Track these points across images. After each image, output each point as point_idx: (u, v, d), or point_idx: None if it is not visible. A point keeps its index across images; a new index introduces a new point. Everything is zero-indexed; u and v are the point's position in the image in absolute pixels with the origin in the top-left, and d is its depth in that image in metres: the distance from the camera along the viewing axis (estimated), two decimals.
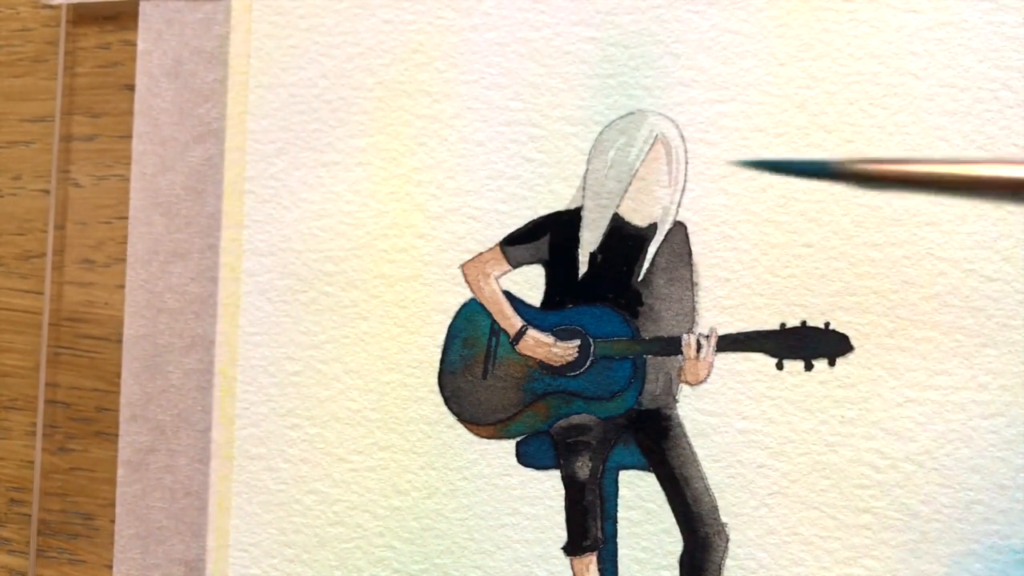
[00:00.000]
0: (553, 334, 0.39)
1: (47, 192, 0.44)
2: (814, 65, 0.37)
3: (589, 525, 0.38)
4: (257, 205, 0.41)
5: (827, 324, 0.36)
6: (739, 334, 0.37)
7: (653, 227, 0.38)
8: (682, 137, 0.38)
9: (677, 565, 0.37)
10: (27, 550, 0.43)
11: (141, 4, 0.43)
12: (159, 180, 0.42)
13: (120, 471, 0.41)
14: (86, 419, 0.43)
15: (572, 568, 0.38)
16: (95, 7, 0.44)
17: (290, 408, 0.40)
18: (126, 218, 0.42)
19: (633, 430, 0.38)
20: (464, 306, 0.39)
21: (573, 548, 0.38)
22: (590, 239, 0.38)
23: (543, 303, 0.39)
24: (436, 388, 0.39)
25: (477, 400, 0.39)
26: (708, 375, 0.37)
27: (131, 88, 0.43)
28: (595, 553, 0.37)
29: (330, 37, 0.41)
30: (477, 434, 0.39)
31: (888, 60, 0.37)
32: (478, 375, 0.39)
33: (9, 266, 0.45)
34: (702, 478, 0.37)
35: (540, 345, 0.39)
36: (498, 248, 0.39)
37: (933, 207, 0.36)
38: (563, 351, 0.38)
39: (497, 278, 0.39)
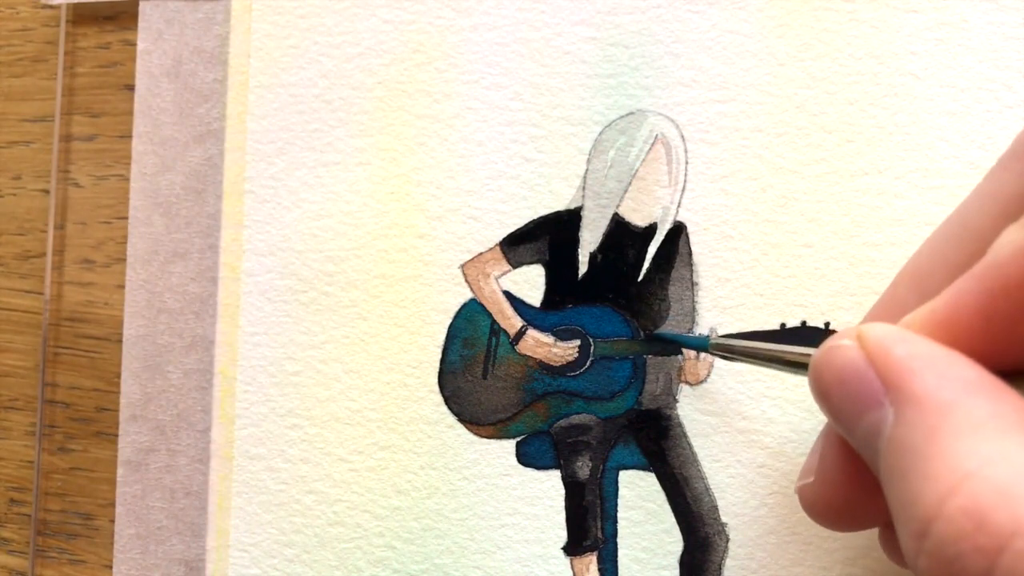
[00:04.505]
0: (553, 334, 0.39)
1: (47, 192, 0.44)
2: (814, 65, 0.37)
3: (589, 525, 0.38)
4: (257, 205, 0.41)
5: (827, 324, 0.36)
6: (739, 334, 0.37)
7: (653, 227, 0.38)
8: (682, 137, 0.38)
9: (677, 565, 0.37)
10: (27, 550, 0.43)
11: (141, 4, 0.43)
12: (159, 180, 0.42)
13: (120, 471, 0.41)
14: (86, 419, 0.43)
15: (572, 568, 0.38)
16: (95, 7, 0.44)
17: (290, 408, 0.40)
18: (126, 218, 0.42)
19: (633, 430, 0.38)
20: (464, 306, 0.39)
21: (573, 548, 0.38)
22: (590, 239, 0.38)
23: (543, 303, 0.39)
24: (436, 388, 0.39)
25: (477, 400, 0.39)
26: (708, 375, 0.37)
27: (131, 88, 0.43)
28: (595, 553, 0.37)
29: (330, 37, 0.41)
30: (477, 434, 0.39)
31: (888, 60, 0.37)
32: (478, 375, 0.39)
33: (9, 266, 0.45)
34: (702, 478, 0.37)
35: (540, 345, 0.39)
36: (498, 248, 0.39)
37: (933, 207, 0.36)
38: (563, 351, 0.38)
39: (497, 278, 0.39)
